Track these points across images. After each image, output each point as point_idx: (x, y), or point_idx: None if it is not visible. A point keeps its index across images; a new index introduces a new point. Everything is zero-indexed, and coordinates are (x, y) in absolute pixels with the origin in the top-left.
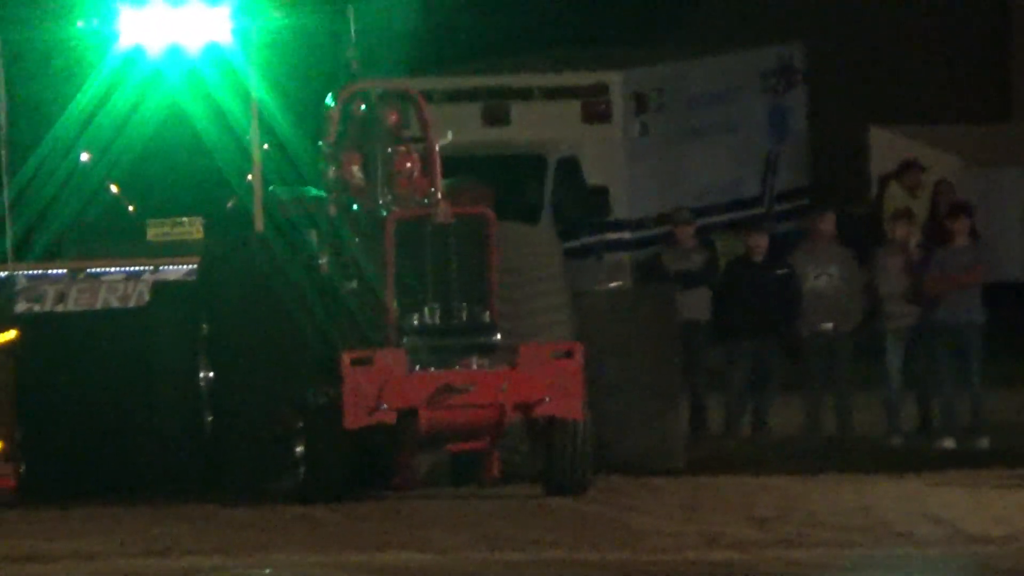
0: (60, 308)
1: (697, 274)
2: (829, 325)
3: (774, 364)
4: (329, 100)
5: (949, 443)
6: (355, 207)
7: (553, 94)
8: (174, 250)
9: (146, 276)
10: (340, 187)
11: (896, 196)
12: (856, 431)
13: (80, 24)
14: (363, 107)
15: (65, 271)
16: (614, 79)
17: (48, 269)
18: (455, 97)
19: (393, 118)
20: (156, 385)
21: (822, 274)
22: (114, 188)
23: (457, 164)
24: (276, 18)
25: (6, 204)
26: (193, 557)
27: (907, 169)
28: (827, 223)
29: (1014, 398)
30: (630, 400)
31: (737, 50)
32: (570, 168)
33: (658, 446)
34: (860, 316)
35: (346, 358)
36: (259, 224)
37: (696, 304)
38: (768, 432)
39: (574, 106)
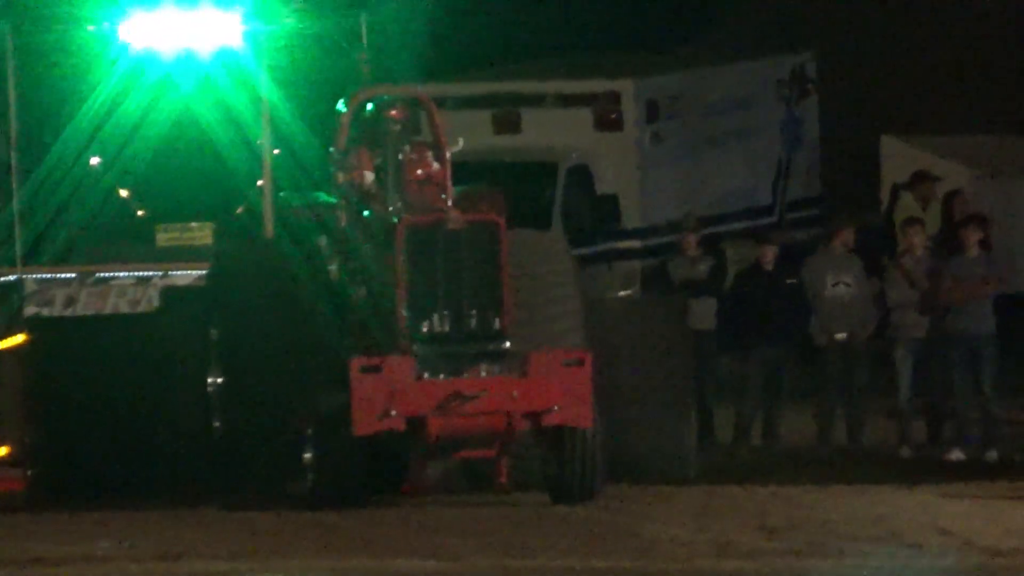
0: (69, 312)
1: (702, 283)
2: (844, 334)
3: (785, 373)
4: (341, 105)
5: (958, 454)
6: (366, 213)
7: (565, 101)
8: (184, 255)
9: (156, 281)
10: (351, 193)
11: (908, 206)
12: (867, 441)
13: (91, 28)
14: (374, 113)
15: (75, 275)
16: (626, 87)
17: (58, 273)
18: (467, 103)
19: (405, 124)
20: (165, 390)
21: (839, 283)
22: (124, 193)
23: (468, 171)
24: (288, 23)
25: (16, 208)
26: (204, 562)
27: (919, 179)
28: (846, 237)
29: None
30: (641, 408)
31: (750, 59)
32: (581, 176)
33: (669, 454)
34: (874, 324)
35: (355, 365)
36: (269, 230)
37: (703, 313)
38: (779, 441)
39: (586, 114)
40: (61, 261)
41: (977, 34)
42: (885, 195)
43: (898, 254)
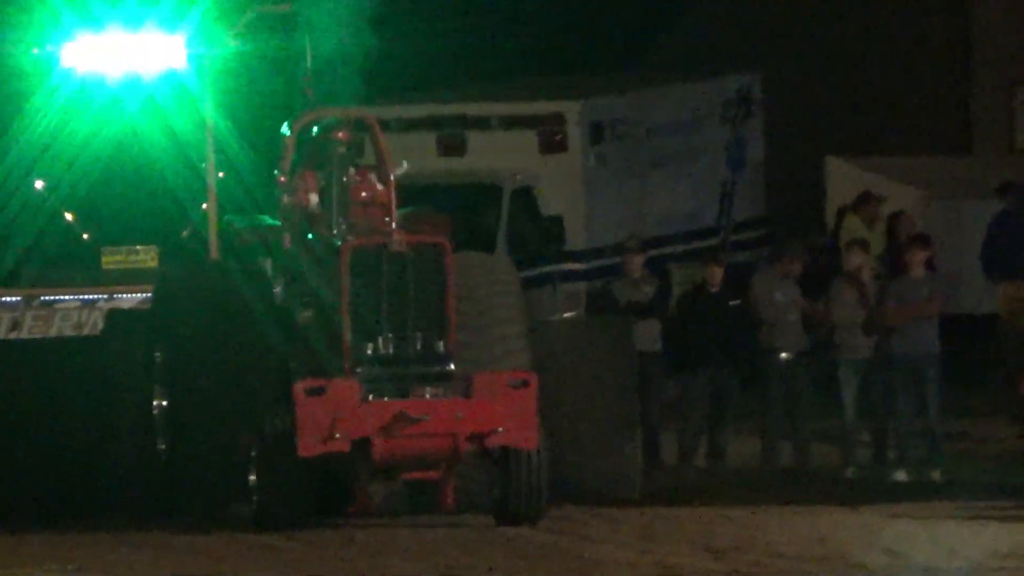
0: (14, 336)
1: (646, 305)
2: (789, 354)
3: (730, 394)
4: (285, 128)
5: (902, 475)
6: (311, 236)
7: (510, 124)
8: (129, 278)
9: (100, 304)
10: (296, 215)
11: (853, 228)
12: (812, 462)
13: (36, 51)
14: (319, 135)
15: (19, 299)
16: (571, 109)
17: (2, 296)
18: (412, 126)
19: (349, 147)
20: (110, 413)
21: (784, 302)
22: (69, 216)
23: (413, 193)
24: (232, 46)
25: None
26: None
27: (865, 201)
28: (796, 264)
29: (970, 430)
30: (586, 430)
31: (695, 80)
32: (526, 198)
33: (614, 476)
34: (807, 342)
35: (299, 387)
36: (214, 252)
37: (648, 335)
38: (724, 462)
39: (531, 136)
40: (5, 284)
41: (920, 56)
42: (830, 216)
43: (842, 275)
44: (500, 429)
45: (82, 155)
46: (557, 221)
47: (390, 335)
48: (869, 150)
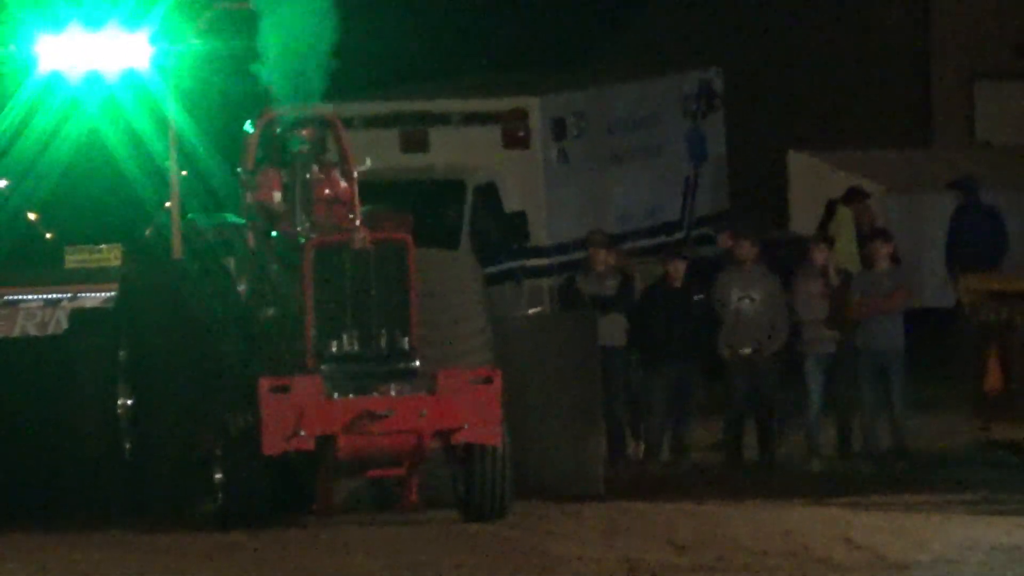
0: None
1: (611, 299)
2: (748, 349)
3: (694, 389)
4: (248, 126)
5: (868, 468)
6: (274, 234)
7: (472, 120)
8: (92, 277)
9: (64, 303)
10: (259, 213)
11: (845, 220)
12: (776, 455)
13: (12, 48)
14: (282, 133)
15: None
16: (533, 105)
17: None
18: (374, 123)
19: (312, 144)
20: (75, 412)
21: (745, 297)
22: (32, 215)
23: (376, 190)
24: (194, 44)
25: None
26: None
27: (854, 195)
28: (742, 249)
29: (934, 423)
30: (550, 425)
31: (657, 75)
32: (489, 194)
33: (578, 471)
34: (783, 339)
35: (264, 385)
36: (177, 251)
37: (612, 330)
38: (688, 457)
39: (493, 132)
40: None
41: (881, 49)
42: (794, 210)
43: (806, 269)
44: (464, 426)
45: (45, 154)
46: (520, 217)
47: (354, 332)
48: (831, 144)
